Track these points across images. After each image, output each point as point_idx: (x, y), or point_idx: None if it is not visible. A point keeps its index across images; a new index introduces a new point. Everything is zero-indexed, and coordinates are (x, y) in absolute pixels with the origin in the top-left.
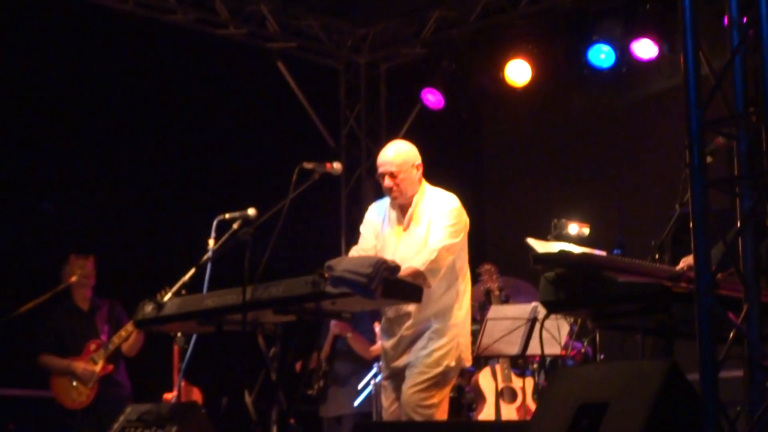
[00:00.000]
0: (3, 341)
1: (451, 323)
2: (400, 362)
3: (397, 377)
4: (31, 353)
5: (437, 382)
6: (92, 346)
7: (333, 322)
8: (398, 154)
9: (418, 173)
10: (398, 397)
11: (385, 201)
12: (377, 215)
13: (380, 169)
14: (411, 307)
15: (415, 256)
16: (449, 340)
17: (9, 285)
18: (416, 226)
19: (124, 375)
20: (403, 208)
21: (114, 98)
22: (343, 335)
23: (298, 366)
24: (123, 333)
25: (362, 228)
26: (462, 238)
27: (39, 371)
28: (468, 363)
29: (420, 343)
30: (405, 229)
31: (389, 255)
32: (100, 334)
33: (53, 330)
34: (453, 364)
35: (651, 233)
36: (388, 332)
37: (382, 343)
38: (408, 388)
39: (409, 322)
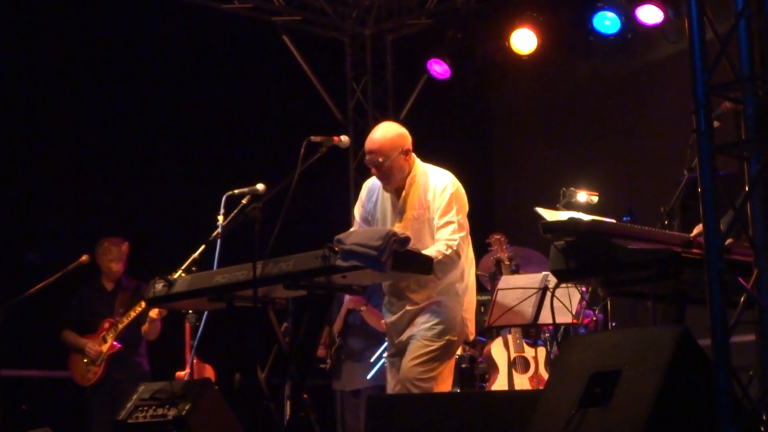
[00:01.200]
0: (16, 323)
1: (454, 298)
2: (404, 337)
3: (402, 353)
4: (55, 329)
5: (438, 356)
6: (105, 325)
7: (347, 297)
8: (384, 144)
9: (407, 158)
10: None
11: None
12: (370, 195)
13: (366, 158)
14: (413, 284)
15: (416, 243)
16: (453, 314)
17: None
18: (412, 210)
19: (143, 356)
20: (397, 192)
21: (120, 74)
22: (358, 309)
23: (321, 351)
24: (132, 313)
25: (355, 210)
26: (465, 218)
27: (62, 347)
28: (471, 337)
29: (423, 317)
30: (399, 211)
31: None
32: (115, 314)
33: (76, 308)
34: (456, 338)
35: (660, 199)
36: (391, 309)
37: (385, 320)
38: (408, 360)
39: (411, 296)
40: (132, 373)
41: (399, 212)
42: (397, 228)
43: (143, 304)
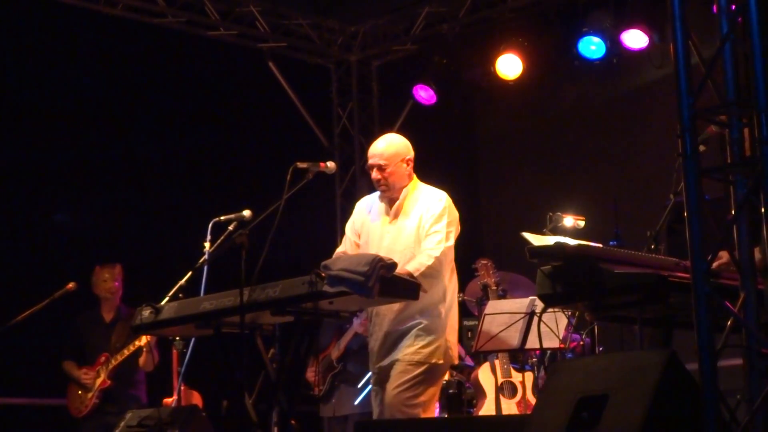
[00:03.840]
0: (5, 350)
1: (437, 320)
2: (385, 362)
3: (384, 381)
4: (57, 359)
5: (423, 380)
6: (102, 359)
7: (356, 322)
8: (388, 147)
9: (408, 168)
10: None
11: (375, 195)
12: (365, 208)
13: (369, 161)
14: (396, 305)
15: (404, 251)
16: (436, 337)
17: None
18: (404, 218)
19: (140, 388)
20: (391, 201)
21: (105, 102)
22: (366, 335)
23: (309, 375)
24: (125, 351)
25: (347, 225)
26: (454, 237)
27: (52, 374)
28: (455, 361)
29: (406, 341)
30: (392, 221)
31: (374, 246)
32: (111, 349)
33: (76, 338)
34: (441, 361)
35: (646, 224)
36: (374, 332)
37: (369, 346)
38: (392, 387)
39: (394, 319)
40: (126, 407)
41: (391, 221)
42: (387, 236)
43: (137, 343)
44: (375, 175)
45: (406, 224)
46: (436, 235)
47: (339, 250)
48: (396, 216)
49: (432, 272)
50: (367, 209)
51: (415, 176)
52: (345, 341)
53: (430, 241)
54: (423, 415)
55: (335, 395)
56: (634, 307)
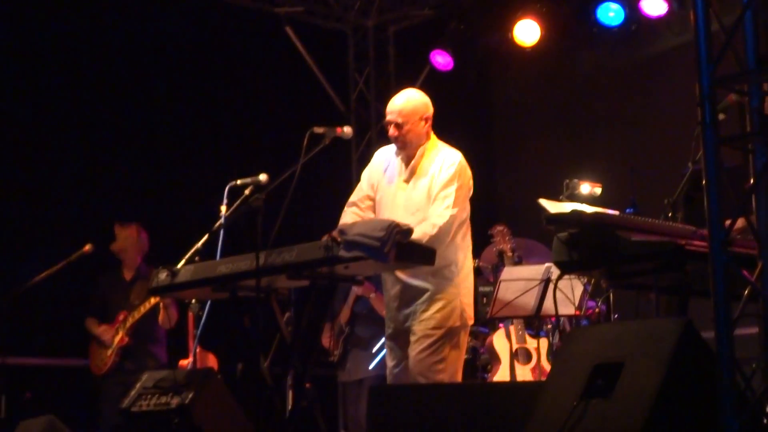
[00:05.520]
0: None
1: (451, 282)
2: (402, 320)
3: (399, 337)
4: (81, 317)
5: (443, 344)
6: (120, 317)
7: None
8: (406, 105)
9: (426, 126)
10: (402, 358)
11: (392, 147)
12: (382, 161)
13: (387, 117)
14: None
15: (416, 212)
16: (449, 300)
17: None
18: (419, 178)
19: (160, 346)
20: (407, 159)
21: (124, 63)
22: (367, 296)
23: (324, 341)
24: (142, 308)
25: (364, 172)
26: (466, 200)
27: (68, 335)
28: (471, 321)
29: (421, 306)
30: (406, 181)
31: (388, 205)
32: (131, 306)
33: (99, 296)
34: (457, 323)
35: (663, 192)
36: (386, 290)
37: (385, 300)
38: (415, 353)
39: (404, 280)
40: (145, 364)
41: (406, 180)
42: (401, 195)
43: (152, 300)
44: (392, 131)
45: (419, 185)
46: (444, 200)
47: (351, 199)
48: (411, 176)
49: (442, 236)
50: (385, 164)
51: (433, 134)
52: (351, 302)
53: (438, 207)
54: (448, 380)
55: (349, 359)
56: (651, 275)
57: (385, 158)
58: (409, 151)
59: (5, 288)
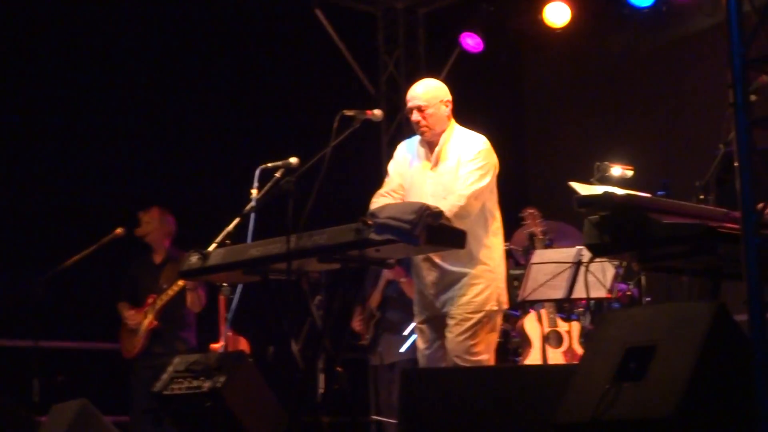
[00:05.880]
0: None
1: (485, 267)
2: (437, 305)
3: (434, 321)
4: (113, 300)
5: (481, 328)
6: (149, 300)
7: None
8: (427, 89)
9: (447, 109)
10: (435, 341)
11: (415, 139)
12: (406, 152)
13: (409, 104)
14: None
15: (446, 195)
16: (487, 284)
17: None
18: (444, 164)
19: (190, 330)
20: (431, 146)
21: (155, 50)
22: (398, 280)
23: (356, 324)
24: (170, 292)
25: (389, 166)
26: (490, 180)
27: (100, 318)
28: (506, 305)
29: (458, 291)
30: (433, 167)
31: (417, 193)
32: (160, 289)
33: (130, 281)
34: (495, 307)
35: (695, 174)
36: (420, 276)
37: (415, 287)
38: (453, 336)
39: (441, 265)
40: (174, 348)
41: (432, 166)
42: (429, 183)
43: (180, 283)
44: (415, 116)
45: (446, 170)
46: (469, 176)
47: (382, 191)
48: (437, 162)
49: (464, 213)
50: (409, 154)
51: (453, 119)
52: (381, 286)
53: (463, 182)
54: (484, 362)
55: (380, 343)
56: (683, 258)
57: (407, 149)
58: (432, 137)
59: (38, 272)
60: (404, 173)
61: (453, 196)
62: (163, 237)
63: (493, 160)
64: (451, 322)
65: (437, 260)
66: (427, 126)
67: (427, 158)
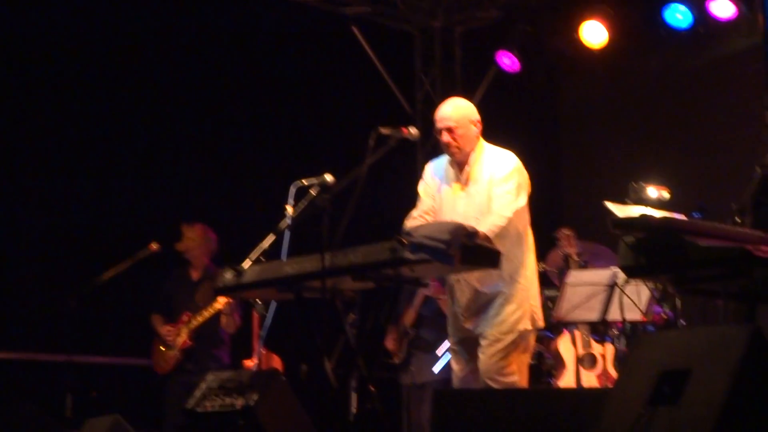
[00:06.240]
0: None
1: (519, 286)
2: (471, 326)
3: (467, 342)
4: (146, 313)
5: (514, 348)
6: (184, 318)
7: None
8: (456, 109)
9: (476, 129)
10: (469, 362)
11: (443, 159)
12: (434, 173)
13: (438, 125)
14: (475, 272)
15: (479, 216)
16: (520, 303)
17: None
18: (475, 183)
19: (224, 348)
20: (461, 165)
21: (193, 66)
22: (437, 297)
23: (389, 343)
24: (206, 313)
25: (419, 188)
26: (526, 197)
27: (133, 334)
28: (541, 324)
29: (491, 311)
30: (463, 187)
31: (448, 214)
32: (195, 307)
33: (165, 294)
34: (529, 327)
35: (731, 196)
36: (454, 297)
37: (448, 309)
38: (486, 357)
39: (475, 286)
40: (207, 366)
41: (462, 186)
42: (460, 203)
43: (216, 305)
44: (445, 137)
45: (478, 190)
46: (506, 196)
47: (415, 213)
48: (467, 182)
49: (504, 233)
50: (438, 174)
51: (481, 138)
52: (416, 305)
53: (500, 201)
54: (518, 383)
55: (413, 363)
56: (718, 281)
57: (436, 168)
58: (462, 157)
59: (72, 286)
60: (434, 194)
61: (492, 216)
62: (204, 254)
63: (526, 178)
64: (483, 342)
65: (471, 281)
66: (457, 147)
67: (457, 178)
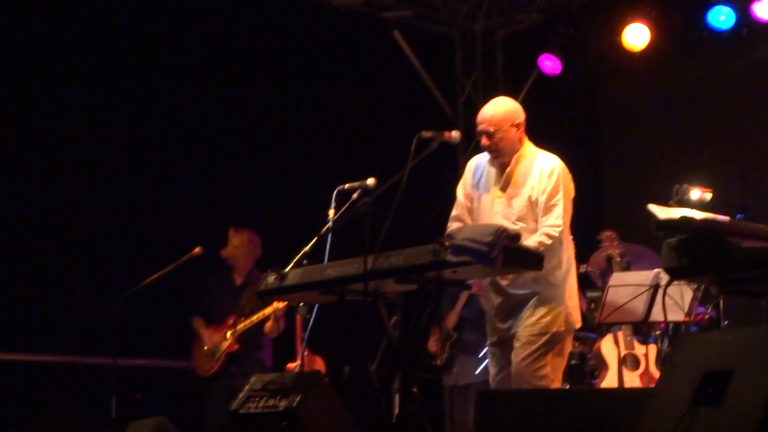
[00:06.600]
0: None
1: (554, 287)
2: (506, 327)
3: (503, 344)
4: (187, 316)
5: (548, 350)
6: (229, 322)
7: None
8: (496, 113)
9: (518, 132)
10: (505, 365)
11: (485, 156)
12: (475, 172)
13: (478, 128)
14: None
15: (516, 222)
16: (555, 305)
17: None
18: (516, 187)
19: (266, 351)
20: (502, 167)
21: (236, 73)
22: (479, 294)
23: (431, 345)
24: (254, 317)
25: (458, 188)
26: (570, 204)
27: (177, 336)
28: (578, 325)
29: (525, 312)
30: (503, 189)
31: (485, 215)
32: (239, 312)
33: (207, 297)
34: (563, 329)
35: None
36: (489, 299)
37: (486, 310)
38: (519, 360)
39: (509, 288)
40: (250, 369)
41: (502, 187)
42: (498, 203)
43: (267, 310)
44: (484, 141)
45: (519, 193)
46: (555, 210)
47: (453, 213)
48: (507, 184)
49: (550, 249)
50: (477, 173)
51: (526, 139)
52: (459, 307)
53: (550, 217)
54: (551, 386)
55: (456, 364)
56: (762, 282)
57: (476, 167)
58: (503, 159)
59: (117, 290)
60: (471, 192)
61: (545, 229)
62: (248, 260)
63: (570, 182)
64: (516, 344)
65: (502, 284)
66: (496, 151)
67: (498, 179)
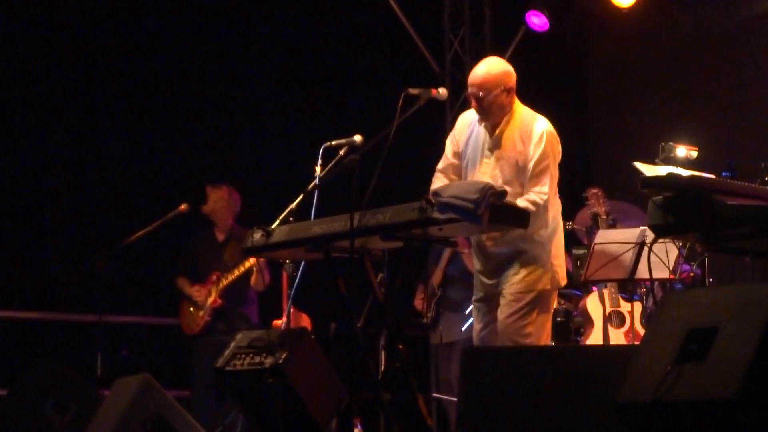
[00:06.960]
0: (117, 269)
1: (540, 245)
2: (492, 284)
3: (489, 300)
4: (171, 276)
5: (532, 308)
6: (213, 277)
7: None
8: (487, 77)
9: (509, 96)
10: (490, 321)
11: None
12: (464, 126)
13: (468, 90)
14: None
15: (502, 183)
16: (541, 263)
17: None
18: (504, 150)
19: (251, 307)
20: (492, 128)
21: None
22: (461, 251)
23: (417, 303)
24: (236, 271)
25: (447, 142)
26: (557, 167)
27: (163, 294)
28: (563, 283)
29: (511, 270)
30: (491, 150)
31: (473, 175)
32: (222, 267)
33: (190, 256)
34: (548, 287)
35: (760, 155)
36: (477, 254)
37: (474, 266)
38: (504, 317)
39: (493, 248)
40: (237, 326)
41: (490, 149)
42: (486, 165)
43: (247, 263)
44: (474, 104)
45: (506, 157)
46: (543, 177)
47: (439, 166)
48: (496, 146)
49: (536, 214)
50: (468, 130)
51: (516, 100)
52: (443, 264)
53: (538, 182)
54: (536, 343)
55: (441, 322)
56: (747, 240)
57: (467, 123)
58: (492, 121)
59: (101, 247)
60: (460, 149)
61: (531, 196)
62: (229, 215)
63: (558, 146)
64: (502, 301)
65: (487, 244)
66: (485, 114)
67: (486, 140)
